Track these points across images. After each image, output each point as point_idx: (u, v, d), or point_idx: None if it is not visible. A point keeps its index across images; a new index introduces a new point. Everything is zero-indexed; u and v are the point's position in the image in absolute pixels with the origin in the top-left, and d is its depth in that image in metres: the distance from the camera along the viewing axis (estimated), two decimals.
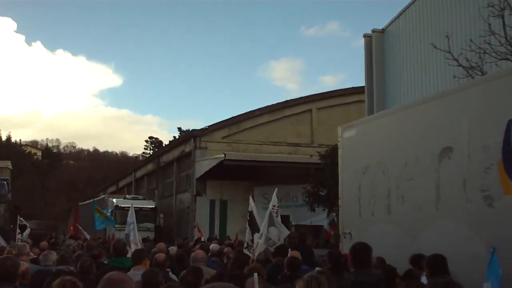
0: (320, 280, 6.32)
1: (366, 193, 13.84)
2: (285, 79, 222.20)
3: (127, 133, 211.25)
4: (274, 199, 14.17)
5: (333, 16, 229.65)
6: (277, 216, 14.04)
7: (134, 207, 35.13)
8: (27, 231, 29.95)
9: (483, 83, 11.27)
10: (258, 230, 13.94)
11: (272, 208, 13.91)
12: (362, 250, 8.30)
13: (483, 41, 16.77)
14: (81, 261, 11.03)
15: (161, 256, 11.87)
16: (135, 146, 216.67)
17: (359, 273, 8.01)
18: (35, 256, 14.88)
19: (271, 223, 13.82)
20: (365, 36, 28.10)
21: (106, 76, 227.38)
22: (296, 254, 12.28)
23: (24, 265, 9.58)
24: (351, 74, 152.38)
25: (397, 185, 12.62)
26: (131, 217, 15.62)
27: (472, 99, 10.91)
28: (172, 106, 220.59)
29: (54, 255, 12.39)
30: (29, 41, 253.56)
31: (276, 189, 14.66)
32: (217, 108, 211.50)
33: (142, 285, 7.99)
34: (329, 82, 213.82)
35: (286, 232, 14.35)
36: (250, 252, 13.90)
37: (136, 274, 8.69)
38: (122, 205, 40.17)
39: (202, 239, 30.44)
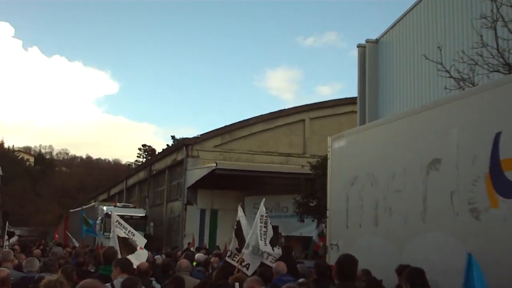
0: None
1: (354, 205, 13.74)
2: (282, 89, 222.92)
3: (122, 140, 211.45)
4: (261, 209, 13.98)
5: (331, 26, 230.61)
6: (265, 226, 13.80)
7: (125, 215, 34.90)
8: (14, 238, 29.83)
9: (472, 94, 11.16)
10: (244, 241, 13.76)
11: (260, 219, 13.70)
12: (347, 263, 8.19)
13: (475, 52, 16.69)
14: (62, 268, 10.90)
15: (144, 264, 11.79)
16: (129, 154, 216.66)
17: (342, 286, 7.89)
18: (18, 264, 14.68)
19: (260, 236, 13.63)
20: (359, 46, 28.08)
21: (103, 83, 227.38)
22: (282, 265, 12.15)
23: (5, 271, 9.46)
24: (348, 85, 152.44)
25: (384, 197, 12.50)
26: (114, 225, 15.44)
27: (462, 110, 10.81)
28: (168, 114, 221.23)
29: (37, 262, 12.28)
30: (26, 47, 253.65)
31: (264, 199, 14.48)
32: (213, 117, 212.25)
33: None
34: (326, 92, 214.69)
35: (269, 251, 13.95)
36: (233, 260, 13.72)
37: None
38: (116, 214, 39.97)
39: (192, 248, 30.30)
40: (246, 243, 13.66)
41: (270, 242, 13.51)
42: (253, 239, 13.61)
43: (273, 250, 13.41)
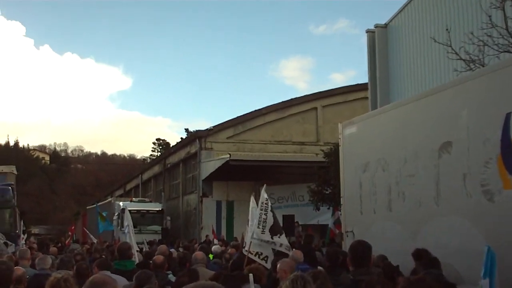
0: (305, 279, 6.21)
1: (367, 191, 13.72)
2: (296, 78, 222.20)
3: (137, 135, 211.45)
4: (262, 196, 13.87)
5: (342, 13, 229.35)
6: (265, 213, 13.64)
7: (141, 210, 35.23)
8: (25, 236, 30.12)
9: (482, 75, 11.10)
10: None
11: (261, 206, 13.61)
12: (360, 249, 8.19)
13: (484, 33, 16.61)
14: (77, 265, 10.97)
15: (159, 258, 11.83)
16: (143, 149, 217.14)
17: (357, 272, 7.89)
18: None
19: (258, 224, 13.58)
20: (368, 31, 27.98)
21: (115, 79, 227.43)
22: (299, 253, 12.17)
23: (20, 269, 9.51)
24: (361, 71, 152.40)
25: (397, 182, 12.48)
26: (127, 220, 15.50)
27: (471, 92, 10.77)
28: (182, 108, 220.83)
29: (49, 259, 12.34)
30: (37, 45, 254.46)
31: (265, 186, 14.38)
32: (228, 109, 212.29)
33: (134, 287, 7.91)
34: (339, 80, 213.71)
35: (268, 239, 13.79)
36: (251, 254, 13.67)
37: None
38: (129, 208, 40.12)
39: (216, 241, 30.36)
40: (250, 232, 13.67)
41: (271, 230, 13.39)
42: (253, 227, 13.61)
43: (273, 238, 13.30)
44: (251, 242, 13.40)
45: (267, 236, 13.29)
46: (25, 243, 25.87)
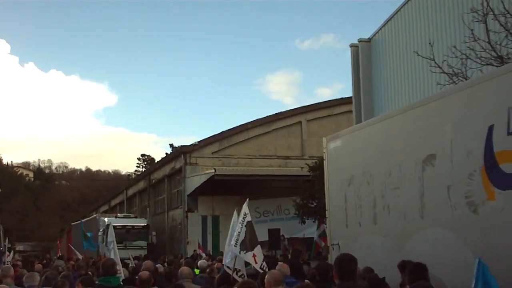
0: None
1: (352, 204, 13.75)
2: (282, 92, 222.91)
3: (123, 151, 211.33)
4: (244, 209, 13.71)
5: (328, 28, 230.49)
6: (241, 227, 13.45)
7: (126, 226, 35.10)
8: (11, 254, 30.00)
9: (465, 88, 11.17)
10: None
11: (242, 219, 13.46)
12: (345, 262, 8.15)
13: (467, 47, 16.72)
14: (55, 282, 10.86)
15: (145, 274, 11.78)
16: (129, 165, 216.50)
17: (343, 286, 7.88)
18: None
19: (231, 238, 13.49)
20: (351, 46, 28.09)
21: (101, 95, 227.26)
22: (285, 267, 12.17)
23: (4, 287, 9.45)
24: (347, 85, 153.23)
25: (382, 195, 12.52)
26: (111, 235, 15.41)
27: (455, 105, 10.84)
28: (169, 123, 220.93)
29: (37, 276, 12.31)
30: (22, 63, 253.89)
31: (247, 200, 14.28)
32: (214, 124, 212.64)
33: None
34: (326, 94, 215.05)
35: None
36: (227, 265, 13.60)
37: None
38: (114, 224, 40.01)
39: (203, 255, 30.33)
40: (227, 246, 13.62)
41: (241, 245, 13.19)
42: (230, 241, 13.54)
43: (240, 253, 13.09)
44: (232, 256, 13.30)
45: (236, 250, 13.18)
46: (11, 261, 25.71)
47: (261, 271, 12.34)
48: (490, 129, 9.43)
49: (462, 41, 17.57)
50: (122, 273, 13.79)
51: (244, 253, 13.06)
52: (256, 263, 12.93)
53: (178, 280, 12.12)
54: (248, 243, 13.14)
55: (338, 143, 15.02)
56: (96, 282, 10.84)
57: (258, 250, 13.20)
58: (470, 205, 9.83)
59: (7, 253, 26.66)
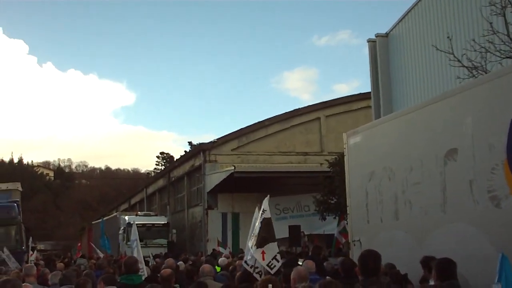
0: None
1: (373, 199, 13.73)
2: (299, 89, 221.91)
3: (142, 150, 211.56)
4: (264, 206, 13.63)
5: (345, 24, 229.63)
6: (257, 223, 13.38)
7: (147, 224, 35.13)
8: (35, 253, 30.11)
9: (486, 82, 11.12)
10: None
11: (260, 216, 13.38)
12: (369, 258, 8.13)
13: (486, 40, 16.64)
14: (77, 280, 10.88)
15: (166, 271, 11.79)
16: (148, 163, 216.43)
17: (367, 282, 7.85)
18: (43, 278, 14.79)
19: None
20: (369, 41, 28.02)
21: (119, 94, 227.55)
22: (310, 264, 12.19)
23: (28, 286, 9.48)
24: (364, 81, 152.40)
25: (403, 190, 12.49)
26: (134, 234, 15.41)
27: (475, 98, 10.80)
28: (188, 122, 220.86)
29: (60, 275, 12.39)
30: (40, 63, 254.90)
31: (268, 196, 14.22)
32: (232, 122, 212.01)
33: None
34: (343, 90, 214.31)
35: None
36: (247, 265, 13.50)
37: None
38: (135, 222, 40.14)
39: (224, 253, 30.34)
40: (248, 243, 13.56)
41: (255, 241, 13.09)
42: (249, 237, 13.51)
43: (253, 249, 13.00)
44: (251, 254, 13.23)
45: (251, 245, 13.14)
46: (34, 260, 25.86)
47: (269, 269, 12.28)
48: None
49: (481, 35, 17.49)
50: (144, 271, 13.82)
51: (255, 249, 13.04)
52: (263, 260, 12.76)
53: (199, 278, 12.14)
54: (260, 240, 13.09)
55: (358, 138, 14.99)
56: (118, 281, 10.87)
57: (269, 247, 13.02)
58: (493, 199, 9.79)
59: (30, 252, 26.83)
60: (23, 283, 10.46)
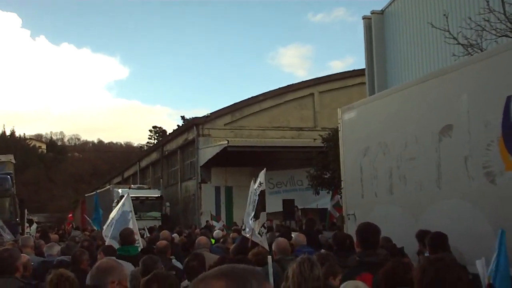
0: (312, 261, 6.35)
1: (368, 174, 13.81)
2: (294, 65, 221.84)
3: (135, 124, 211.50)
4: (260, 178, 13.81)
5: (340, 2, 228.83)
6: (255, 196, 13.62)
7: (140, 197, 35.00)
8: (34, 225, 30.17)
9: (482, 59, 11.19)
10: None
11: (255, 189, 13.59)
12: (367, 231, 8.23)
13: (482, 18, 16.69)
14: (74, 251, 10.93)
15: (162, 243, 11.94)
16: (141, 137, 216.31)
17: (364, 254, 7.96)
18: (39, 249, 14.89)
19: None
20: (364, 18, 28.02)
21: (112, 68, 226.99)
22: (302, 237, 12.33)
23: (25, 257, 9.53)
24: (359, 58, 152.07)
25: (398, 165, 12.58)
26: (129, 206, 15.43)
27: (471, 76, 10.87)
28: (182, 97, 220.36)
29: (56, 247, 12.49)
30: (34, 36, 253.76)
31: (265, 169, 14.35)
32: (226, 97, 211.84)
33: (141, 272, 8.00)
34: (338, 67, 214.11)
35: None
36: (246, 233, 13.75)
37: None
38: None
39: (217, 226, 30.50)
40: (246, 216, 13.76)
41: (254, 214, 13.37)
42: (248, 209, 13.70)
43: (252, 221, 13.26)
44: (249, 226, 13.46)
45: (251, 218, 13.37)
46: (32, 232, 25.97)
47: (259, 236, 12.60)
48: (508, 99, 9.46)
49: (477, 13, 17.53)
50: (140, 243, 13.92)
51: (254, 221, 13.24)
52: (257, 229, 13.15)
53: (195, 249, 12.24)
54: (257, 212, 13.32)
55: (353, 114, 15.03)
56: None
57: (261, 215, 13.38)
58: (488, 175, 9.89)
59: (26, 224, 26.91)
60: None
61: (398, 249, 10.13)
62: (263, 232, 13.04)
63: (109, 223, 14.69)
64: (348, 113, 15.23)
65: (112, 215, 15.01)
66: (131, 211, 15.16)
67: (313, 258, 6.83)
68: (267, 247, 12.38)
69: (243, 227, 14.68)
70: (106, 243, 13.24)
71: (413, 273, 5.24)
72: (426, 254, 8.92)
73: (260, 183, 13.65)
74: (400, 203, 12.55)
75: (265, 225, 13.28)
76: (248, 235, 13.29)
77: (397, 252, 9.73)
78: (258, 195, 13.45)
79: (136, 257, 10.06)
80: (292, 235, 14.54)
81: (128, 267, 8.38)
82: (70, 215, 46.22)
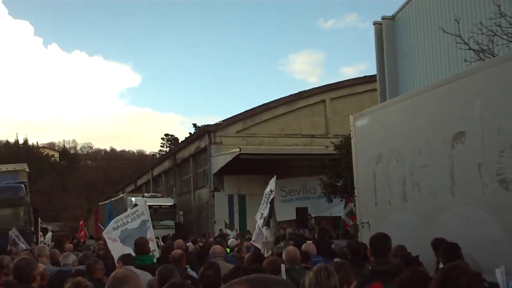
0: (329, 271, 6.36)
1: (381, 182, 13.78)
2: (306, 72, 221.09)
3: (147, 131, 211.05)
4: (270, 185, 13.85)
5: (351, 8, 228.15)
6: (266, 203, 13.69)
7: (154, 205, 34.96)
8: (49, 234, 30.27)
9: (494, 65, 11.20)
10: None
11: (266, 196, 13.66)
12: (379, 240, 8.29)
13: (493, 23, 16.68)
14: (88, 261, 10.98)
15: (177, 252, 11.92)
16: (153, 145, 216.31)
17: (377, 262, 8.00)
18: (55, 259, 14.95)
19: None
20: (375, 23, 27.98)
21: (124, 76, 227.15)
22: (311, 246, 12.33)
23: (41, 266, 9.58)
24: (370, 64, 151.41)
25: (411, 172, 12.56)
26: (147, 215, 15.42)
27: (483, 81, 10.85)
28: (194, 104, 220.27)
29: (72, 256, 12.53)
30: (46, 44, 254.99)
31: (275, 177, 14.39)
32: (238, 104, 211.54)
33: (157, 282, 8.03)
34: (350, 73, 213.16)
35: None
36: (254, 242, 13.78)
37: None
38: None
39: (231, 234, 30.51)
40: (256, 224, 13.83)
41: (265, 221, 13.43)
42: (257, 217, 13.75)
43: (262, 228, 13.31)
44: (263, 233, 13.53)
45: (261, 223, 13.41)
46: (47, 241, 26.06)
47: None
48: None
49: (489, 18, 17.52)
50: (156, 252, 13.95)
51: (266, 229, 13.29)
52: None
53: (210, 258, 12.26)
54: (268, 220, 13.39)
55: (365, 121, 15.03)
56: None
57: (271, 225, 13.52)
58: (502, 182, 9.87)
59: (40, 233, 27.04)
60: None
61: (413, 257, 10.12)
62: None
63: (120, 226, 14.58)
64: (360, 120, 15.22)
65: (124, 219, 14.88)
66: (148, 220, 15.20)
67: (330, 267, 6.85)
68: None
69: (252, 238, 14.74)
70: (110, 245, 13.30)
71: (430, 282, 5.25)
72: (441, 266, 8.90)
73: (271, 191, 13.70)
74: (414, 211, 12.53)
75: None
76: (254, 243, 13.35)
77: (412, 260, 9.73)
78: (270, 202, 13.51)
79: (153, 267, 10.10)
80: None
81: (145, 277, 8.44)
82: (81, 222, 46.26)
